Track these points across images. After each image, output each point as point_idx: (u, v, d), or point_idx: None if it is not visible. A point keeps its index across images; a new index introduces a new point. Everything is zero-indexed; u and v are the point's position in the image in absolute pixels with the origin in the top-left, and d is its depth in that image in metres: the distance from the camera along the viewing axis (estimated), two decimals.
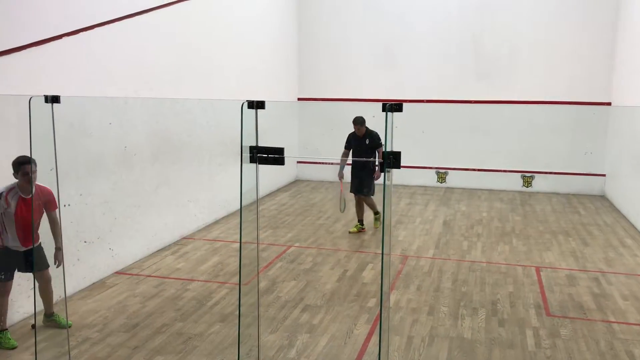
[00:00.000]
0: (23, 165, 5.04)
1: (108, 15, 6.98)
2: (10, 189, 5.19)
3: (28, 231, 5.25)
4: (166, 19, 8.26)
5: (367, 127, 9.02)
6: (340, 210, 9.53)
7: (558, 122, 12.88)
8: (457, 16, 13.17)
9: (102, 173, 6.94)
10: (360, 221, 9.43)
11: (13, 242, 5.32)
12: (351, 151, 9.17)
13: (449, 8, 13.19)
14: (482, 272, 7.52)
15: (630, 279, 7.33)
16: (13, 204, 5.20)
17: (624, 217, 10.75)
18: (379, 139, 8.96)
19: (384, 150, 3.38)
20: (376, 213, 9.58)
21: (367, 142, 8.97)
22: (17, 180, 5.20)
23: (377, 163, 9.19)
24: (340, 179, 9.34)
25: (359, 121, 8.98)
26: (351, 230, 9.39)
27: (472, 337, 5.57)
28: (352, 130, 9.17)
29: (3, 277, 5.29)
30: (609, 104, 12.54)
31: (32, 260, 5.31)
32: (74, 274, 6.44)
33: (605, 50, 12.46)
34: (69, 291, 6.31)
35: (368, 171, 9.20)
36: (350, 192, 9.34)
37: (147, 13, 7.79)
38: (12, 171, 5.19)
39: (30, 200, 5.17)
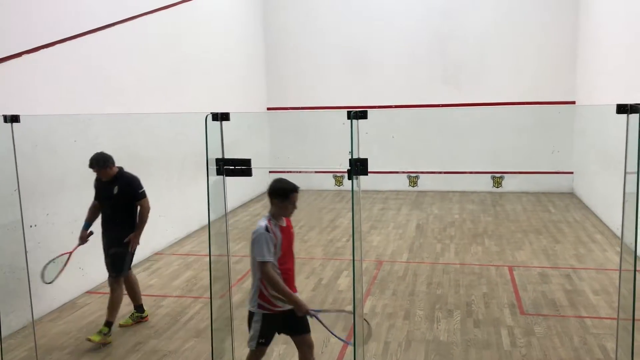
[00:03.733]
0: (293, 193, 4.14)
1: (69, 31, 6.88)
2: (268, 219, 4.12)
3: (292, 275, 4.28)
4: (129, 33, 8.17)
5: (121, 169, 5.90)
6: (45, 280, 5.83)
7: (525, 123, 13.08)
8: (424, 21, 13.31)
9: (69, 191, 6.81)
10: (138, 307, 6.23)
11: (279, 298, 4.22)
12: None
13: (415, 13, 13.33)
14: (456, 273, 7.57)
15: (601, 274, 7.45)
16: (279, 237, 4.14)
17: (592, 213, 10.94)
18: (137, 187, 5.87)
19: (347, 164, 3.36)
20: (137, 308, 6.21)
21: (115, 190, 5.79)
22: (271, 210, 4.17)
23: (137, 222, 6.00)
24: (80, 242, 5.95)
25: (94, 162, 5.78)
26: (122, 322, 6.13)
27: (448, 339, 5.59)
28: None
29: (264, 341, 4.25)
30: (573, 102, 12.79)
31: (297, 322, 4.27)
32: (43, 296, 6.29)
33: (568, 50, 12.72)
34: (38, 314, 6.16)
35: (115, 239, 5.89)
36: (110, 275, 6.00)
37: (110, 28, 7.70)
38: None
39: (290, 231, 4.26)
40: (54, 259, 5.84)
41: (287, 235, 4.18)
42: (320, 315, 4.16)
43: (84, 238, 5.94)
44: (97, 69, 7.47)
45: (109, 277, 5.97)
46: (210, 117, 3.54)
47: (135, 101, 8.33)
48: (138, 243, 5.99)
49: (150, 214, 6.01)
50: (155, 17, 8.80)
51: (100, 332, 5.65)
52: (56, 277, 5.83)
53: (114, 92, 7.83)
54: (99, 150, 5.92)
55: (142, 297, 6.28)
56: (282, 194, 4.13)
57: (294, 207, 4.16)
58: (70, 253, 5.92)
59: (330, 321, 6.04)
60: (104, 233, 5.97)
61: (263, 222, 4.07)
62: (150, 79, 8.76)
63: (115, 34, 7.82)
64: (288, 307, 4.13)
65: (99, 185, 5.96)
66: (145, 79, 8.62)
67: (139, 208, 5.91)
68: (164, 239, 9.11)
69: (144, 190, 5.92)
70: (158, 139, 8.99)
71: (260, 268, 4.00)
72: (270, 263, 4.00)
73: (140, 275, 7.79)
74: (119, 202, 5.82)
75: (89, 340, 5.56)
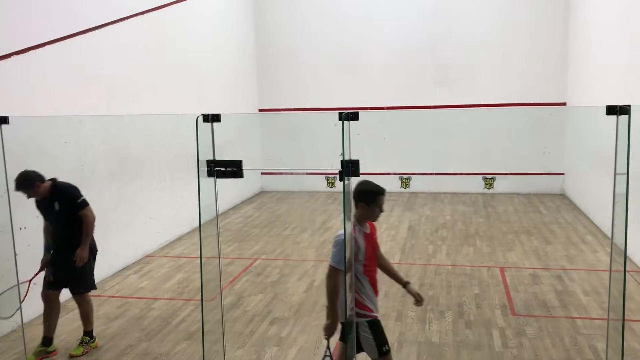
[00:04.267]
0: (380, 196, 3.93)
1: (59, 32, 6.84)
2: (352, 225, 3.87)
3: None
4: (120, 34, 8.14)
5: (54, 182, 5.35)
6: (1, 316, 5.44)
7: (516, 124, 13.13)
8: (415, 23, 13.34)
9: None
10: (47, 339, 5.51)
11: (372, 303, 4.01)
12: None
13: (406, 15, 13.36)
14: (447, 275, 7.58)
15: (591, 274, 7.48)
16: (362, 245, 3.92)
17: (583, 214, 10.99)
18: (75, 197, 5.38)
19: (339, 165, 3.35)
20: (88, 333, 5.61)
21: (56, 207, 5.34)
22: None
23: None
24: (42, 267, 5.56)
25: (19, 185, 5.21)
26: (72, 352, 5.49)
27: (440, 340, 5.59)
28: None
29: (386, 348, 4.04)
30: (564, 104, 12.85)
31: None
32: (33, 299, 6.24)
33: (559, 51, 12.78)
34: (29, 316, 6.12)
35: (64, 256, 5.42)
36: (48, 289, 5.49)
37: (100, 29, 7.67)
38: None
39: (374, 237, 4.06)
40: (9, 289, 5.27)
41: (371, 241, 3.98)
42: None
43: (47, 263, 5.46)
44: (88, 70, 7.44)
45: (73, 296, 5.60)
46: (201, 119, 3.53)
47: (126, 102, 8.29)
48: (85, 258, 5.38)
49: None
50: (146, 18, 8.77)
51: (81, 343, 5.49)
52: (15, 311, 5.23)
53: (105, 93, 7.80)
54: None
55: (134, 299, 6.24)
56: (369, 197, 3.89)
57: (381, 210, 3.94)
58: (30, 281, 5.46)
59: (323, 322, 6.04)
60: (59, 252, 5.44)
61: (348, 229, 3.77)
62: (141, 80, 8.73)
63: (106, 35, 7.79)
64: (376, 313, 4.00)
65: (40, 205, 5.43)
66: (136, 80, 8.59)
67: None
68: (155, 241, 9.07)
69: (83, 199, 5.37)
70: (149, 141, 8.96)
71: (329, 272, 3.80)
72: (341, 272, 3.74)
73: (131, 277, 7.77)
74: (64, 218, 5.34)
75: (72, 356, 5.34)
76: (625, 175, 3.60)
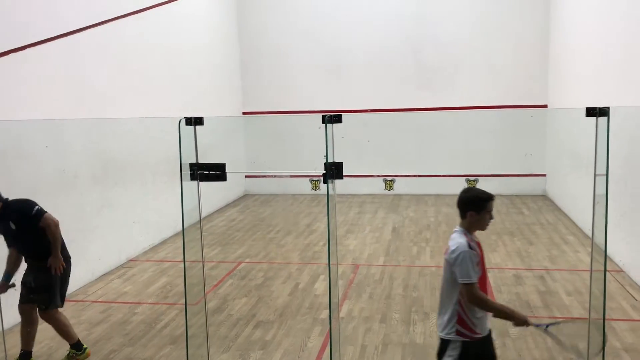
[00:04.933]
0: (490, 202, 3.72)
1: (40, 35, 6.77)
2: (464, 234, 3.67)
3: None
4: (101, 37, 8.08)
5: (4, 201, 5.11)
6: None
7: (498, 126, 13.23)
8: (398, 26, 13.39)
9: (40, 198, 6.63)
10: (25, 354, 5.31)
11: (479, 320, 3.66)
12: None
13: (390, 18, 13.41)
14: (431, 276, 7.62)
15: (573, 274, 7.56)
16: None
17: (565, 215, 11.11)
18: (28, 210, 5.11)
19: (323, 168, 3.36)
20: (73, 346, 5.45)
21: (12, 226, 5.12)
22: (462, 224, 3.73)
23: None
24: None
25: None
26: None
27: (425, 342, 5.62)
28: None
29: None
30: (545, 106, 12.98)
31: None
32: (15, 304, 6.15)
33: (540, 54, 12.92)
34: (10, 322, 6.03)
35: (36, 269, 5.23)
36: (23, 303, 5.28)
37: (82, 32, 7.61)
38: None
39: (480, 245, 3.80)
40: None
41: (481, 250, 3.74)
42: (550, 328, 3.88)
43: (2, 288, 5.17)
44: (69, 73, 7.37)
45: (40, 313, 5.29)
46: (183, 122, 3.52)
47: (109, 105, 8.23)
48: (60, 266, 5.16)
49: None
50: (128, 20, 8.72)
51: (68, 357, 5.38)
52: None
53: (86, 96, 7.73)
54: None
55: (117, 304, 6.17)
56: (479, 205, 3.67)
57: (491, 217, 3.72)
58: None
59: (307, 325, 6.03)
60: (29, 268, 5.24)
61: (462, 239, 3.60)
62: (124, 83, 8.67)
63: (88, 38, 7.72)
64: (486, 333, 3.70)
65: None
66: (119, 83, 8.53)
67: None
68: (138, 246, 9.00)
69: (38, 209, 5.10)
70: (132, 144, 8.90)
71: (466, 290, 3.53)
72: (476, 284, 3.55)
73: (114, 282, 7.70)
74: (25, 234, 5.11)
75: None
76: (605, 177, 3.65)
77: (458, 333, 3.61)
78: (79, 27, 7.53)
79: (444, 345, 3.67)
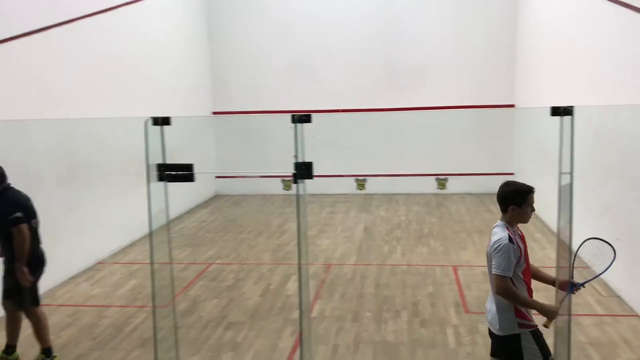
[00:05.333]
0: (531, 194, 3.76)
1: (1, 34, 6.61)
2: (506, 228, 3.67)
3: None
4: (66, 36, 7.92)
5: (5, 186, 5.21)
6: None
7: (467, 126, 13.39)
8: (368, 27, 13.45)
9: None
10: (9, 347, 5.34)
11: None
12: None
13: (360, 19, 13.45)
14: (402, 274, 7.67)
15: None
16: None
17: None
18: (10, 211, 5.04)
19: (293, 168, 3.34)
20: (44, 350, 5.31)
21: None
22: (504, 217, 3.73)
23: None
24: None
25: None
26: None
27: (396, 339, 5.65)
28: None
29: None
30: (512, 106, 13.18)
31: None
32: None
33: (508, 55, 13.10)
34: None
35: (7, 269, 5.20)
36: (3, 298, 5.32)
37: (47, 30, 7.45)
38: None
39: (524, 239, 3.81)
40: None
41: (525, 244, 3.74)
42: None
43: None
44: (32, 73, 7.21)
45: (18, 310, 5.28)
46: (150, 122, 3.46)
47: (74, 106, 8.08)
48: (25, 278, 5.06)
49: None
50: (95, 20, 8.57)
51: None
52: None
53: (51, 97, 7.58)
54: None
55: (85, 307, 6.07)
56: (520, 198, 3.68)
57: (532, 209, 3.74)
58: None
59: (279, 325, 6.02)
60: (7, 262, 5.18)
61: (504, 233, 3.60)
62: (90, 83, 8.52)
63: (52, 38, 7.56)
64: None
65: None
66: (85, 83, 8.38)
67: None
68: (106, 248, 8.86)
69: (19, 216, 5.04)
70: (99, 145, 8.75)
71: (499, 282, 3.54)
72: (509, 278, 3.56)
73: (82, 285, 7.56)
74: (1, 229, 5.07)
75: None
76: (569, 174, 3.72)
77: (521, 326, 3.62)
78: (44, 25, 7.38)
79: (511, 342, 3.62)
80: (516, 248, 3.57)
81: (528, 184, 3.88)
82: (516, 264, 3.60)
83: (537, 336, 3.64)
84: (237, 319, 6.26)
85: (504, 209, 3.71)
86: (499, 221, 3.72)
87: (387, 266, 8.07)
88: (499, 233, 3.62)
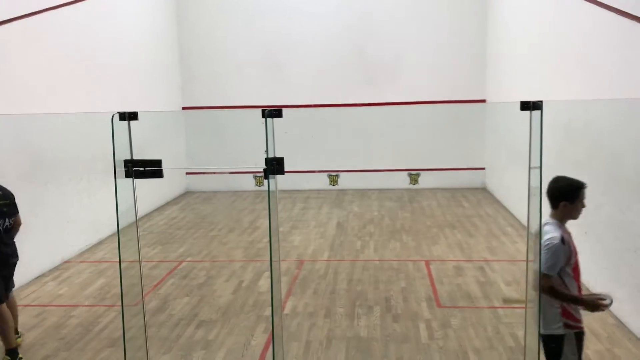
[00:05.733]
0: (583, 190, 3.67)
1: None
2: (558, 227, 3.62)
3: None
4: (27, 30, 7.70)
5: None
6: None
7: (439, 121, 13.47)
8: (340, 22, 13.41)
9: None
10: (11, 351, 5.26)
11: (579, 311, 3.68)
12: None
13: (331, 13, 13.41)
14: (375, 270, 7.67)
15: (512, 265, 7.77)
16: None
17: (503, 207, 11.42)
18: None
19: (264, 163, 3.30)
20: (9, 352, 5.23)
21: None
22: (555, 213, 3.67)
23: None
24: None
25: None
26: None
27: (369, 335, 5.64)
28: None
29: None
30: (484, 101, 13.30)
31: None
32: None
33: (479, 50, 13.20)
34: None
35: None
36: None
37: (8, 23, 7.23)
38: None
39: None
40: None
41: (571, 239, 3.67)
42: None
43: None
44: None
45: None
46: (117, 117, 3.37)
47: (38, 101, 7.87)
48: None
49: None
50: (59, 13, 8.35)
51: None
52: None
53: (13, 90, 7.36)
54: None
55: (52, 307, 5.94)
56: (573, 193, 3.59)
57: (582, 205, 3.64)
58: None
59: (251, 323, 5.96)
60: None
61: (556, 232, 3.55)
62: (54, 77, 8.31)
63: (12, 31, 7.34)
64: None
65: None
66: (49, 77, 8.17)
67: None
68: (73, 246, 8.67)
69: None
70: (64, 141, 8.55)
71: (544, 282, 3.51)
72: (555, 277, 3.55)
73: (48, 284, 7.39)
74: None
75: None
76: (539, 169, 3.73)
77: (567, 326, 3.60)
78: (5, 18, 7.16)
79: (555, 341, 3.61)
80: (567, 249, 3.54)
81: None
82: (566, 263, 3.58)
83: (580, 339, 3.62)
84: (209, 317, 6.18)
85: (554, 205, 3.64)
86: (549, 218, 3.65)
87: (359, 262, 8.07)
88: (551, 232, 3.56)
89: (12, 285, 5.55)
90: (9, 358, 5.18)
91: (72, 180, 8.71)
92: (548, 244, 3.51)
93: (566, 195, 3.59)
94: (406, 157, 13.63)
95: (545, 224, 3.63)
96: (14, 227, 5.47)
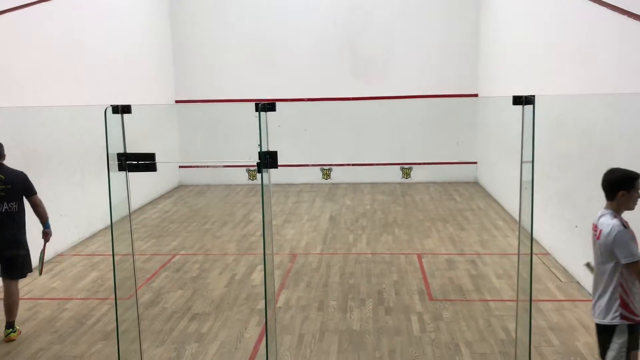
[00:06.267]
0: (638, 180, 3.64)
1: None
2: (614, 216, 3.63)
3: None
4: (21, 22, 7.66)
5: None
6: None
7: (431, 115, 13.49)
8: (332, 15, 13.41)
9: None
10: (10, 324, 5.59)
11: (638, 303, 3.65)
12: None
13: (323, 7, 13.40)
14: (367, 263, 7.71)
15: (503, 258, 7.83)
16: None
17: (495, 201, 11.49)
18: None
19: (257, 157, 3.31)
20: (10, 324, 5.58)
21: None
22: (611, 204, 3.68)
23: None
24: None
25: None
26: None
27: (361, 328, 5.68)
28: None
29: None
30: (476, 95, 13.35)
31: None
32: None
33: (471, 45, 13.24)
34: None
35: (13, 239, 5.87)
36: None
37: (0, 15, 7.18)
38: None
39: None
40: None
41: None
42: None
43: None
44: None
45: (4, 280, 5.65)
46: (110, 110, 3.38)
47: (31, 94, 7.83)
48: None
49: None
50: (52, 5, 8.30)
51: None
52: None
53: (5, 83, 7.32)
54: None
55: (45, 300, 5.96)
56: (630, 183, 3.59)
57: (638, 195, 3.64)
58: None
59: (244, 316, 5.98)
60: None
61: (613, 220, 3.56)
62: (48, 70, 8.26)
63: (5, 23, 7.30)
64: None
65: None
66: (42, 69, 8.13)
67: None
68: (67, 239, 8.65)
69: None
70: (57, 134, 8.52)
71: (633, 269, 3.49)
72: None
73: (41, 278, 7.37)
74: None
75: None
76: (531, 163, 3.77)
77: (623, 317, 3.59)
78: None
79: (607, 331, 3.63)
80: (629, 232, 3.56)
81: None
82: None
83: (632, 332, 3.62)
84: (202, 310, 6.20)
85: (611, 196, 3.66)
86: (604, 210, 3.68)
87: (352, 255, 8.11)
88: (609, 221, 3.58)
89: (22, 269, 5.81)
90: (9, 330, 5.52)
91: (65, 174, 8.68)
92: (614, 235, 3.53)
93: (624, 185, 3.62)
94: (399, 151, 13.66)
95: (602, 215, 3.67)
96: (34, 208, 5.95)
